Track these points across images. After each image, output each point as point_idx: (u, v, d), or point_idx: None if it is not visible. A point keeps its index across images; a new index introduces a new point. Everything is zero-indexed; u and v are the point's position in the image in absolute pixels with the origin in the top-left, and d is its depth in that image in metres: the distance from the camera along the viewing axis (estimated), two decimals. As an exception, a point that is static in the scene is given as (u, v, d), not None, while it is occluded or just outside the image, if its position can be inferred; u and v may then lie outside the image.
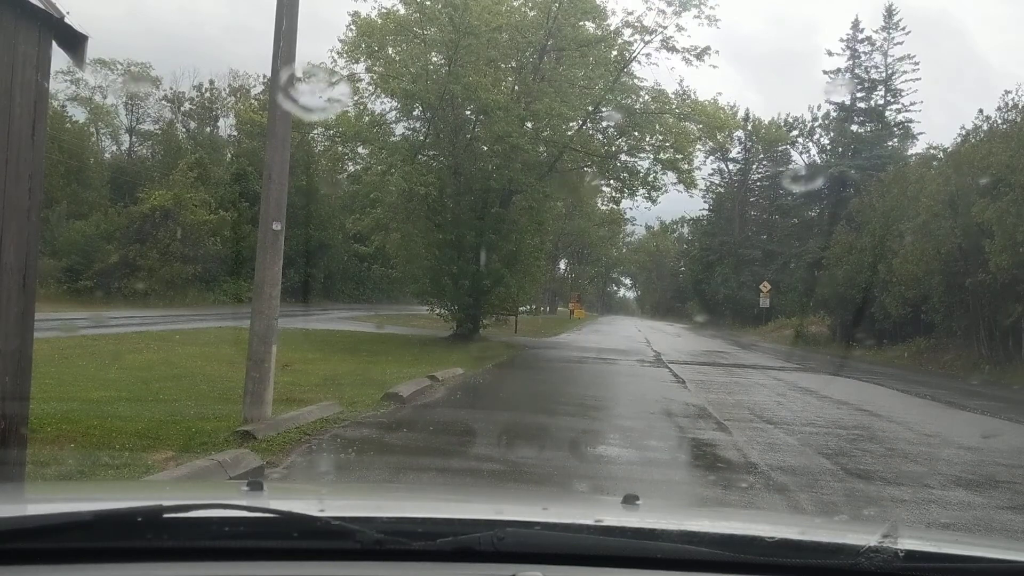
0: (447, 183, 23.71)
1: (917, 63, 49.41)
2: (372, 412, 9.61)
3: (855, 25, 51.05)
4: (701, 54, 23.57)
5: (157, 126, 50.73)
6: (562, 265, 77.88)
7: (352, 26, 23.10)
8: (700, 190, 48.00)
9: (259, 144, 36.60)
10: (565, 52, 23.72)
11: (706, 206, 66.07)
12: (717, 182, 65.17)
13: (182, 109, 51.50)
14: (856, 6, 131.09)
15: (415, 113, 24.39)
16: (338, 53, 23.31)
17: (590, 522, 1.55)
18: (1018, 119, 24.88)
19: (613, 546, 1.42)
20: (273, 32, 8.34)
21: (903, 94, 49.79)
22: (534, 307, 44.93)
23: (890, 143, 48.61)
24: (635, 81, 24.70)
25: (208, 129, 51.86)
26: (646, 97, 24.75)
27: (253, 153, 41.26)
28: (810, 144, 56.90)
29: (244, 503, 1.51)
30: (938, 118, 61.81)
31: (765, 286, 47.71)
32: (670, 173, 25.64)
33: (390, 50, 23.56)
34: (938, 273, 26.23)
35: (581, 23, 24.22)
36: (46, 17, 4.04)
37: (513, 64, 24.70)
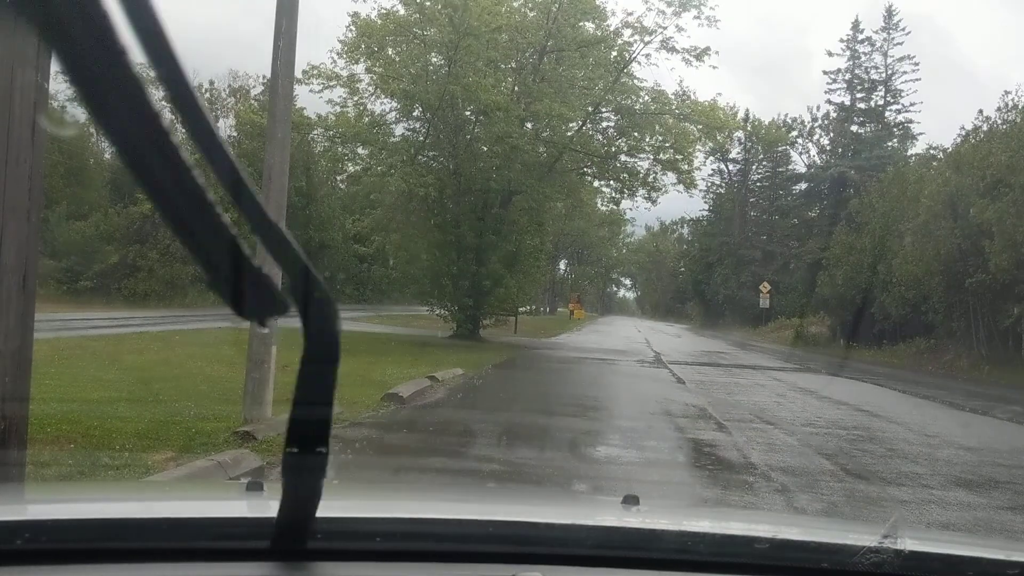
0: (447, 184, 23.73)
1: (917, 63, 49.51)
2: (372, 412, 9.61)
3: (855, 25, 51.15)
4: (701, 55, 23.63)
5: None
6: (562, 266, 78.00)
7: (352, 27, 23.15)
8: (700, 191, 48.09)
9: (259, 145, 36.55)
10: (565, 53, 23.74)
11: (706, 207, 66.14)
12: (717, 183, 65.26)
13: (182, 110, 51.49)
14: (847, 9, 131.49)
15: (415, 114, 24.41)
16: (338, 54, 23.37)
17: (590, 523, 1.55)
18: (1018, 119, 24.91)
19: (613, 547, 1.42)
20: (273, 32, 8.35)
21: (903, 94, 49.88)
22: (534, 308, 44.97)
23: (890, 143, 48.63)
24: (635, 82, 24.75)
25: (208, 130, 51.85)
26: (646, 98, 24.79)
27: (253, 154, 41.17)
28: (810, 145, 57.00)
29: (244, 503, 1.51)
30: (926, 119, 62.20)
31: (765, 287, 47.70)
32: (670, 173, 25.70)
33: (390, 51, 23.58)
34: (938, 274, 26.23)
35: (581, 24, 24.25)
36: (46, 18, 4.04)
37: (513, 65, 24.72)
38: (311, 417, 1.10)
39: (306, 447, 1.13)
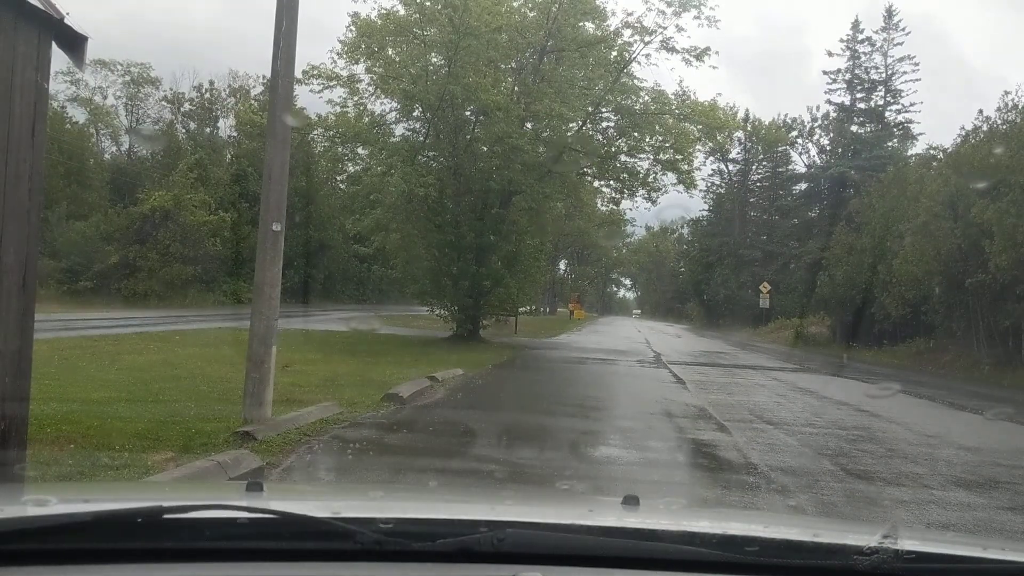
0: (447, 184, 23.72)
1: (917, 64, 49.48)
2: (372, 413, 9.61)
3: (855, 26, 51.12)
4: (701, 55, 23.60)
5: (157, 127, 50.71)
6: (562, 266, 77.95)
7: (352, 27, 23.12)
8: (700, 191, 48.10)
9: (259, 145, 36.61)
10: (565, 53, 23.73)
11: (706, 207, 66.15)
12: (717, 183, 65.28)
13: (182, 110, 51.49)
14: (847, 9, 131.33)
15: (415, 114, 24.40)
16: (338, 54, 23.34)
17: (590, 523, 1.55)
18: (1018, 119, 24.90)
19: (613, 547, 1.42)
20: (273, 33, 8.35)
21: (903, 95, 49.86)
22: (534, 308, 44.88)
23: (890, 144, 48.59)
24: (635, 82, 24.72)
25: (208, 130, 51.85)
26: (646, 98, 24.77)
27: (253, 154, 41.27)
28: (810, 145, 57.01)
29: (244, 504, 1.51)
30: (925, 119, 62.26)
31: (765, 287, 47.71)
32: (670, 174, 25.69)
33: (390, 51, 23.56)
34: (938, 274, 26.23)
35: (581, 24, 24.24)
36: (46, 18, 4.04)
37: (513, 65, 24.71)
38: None
39: None
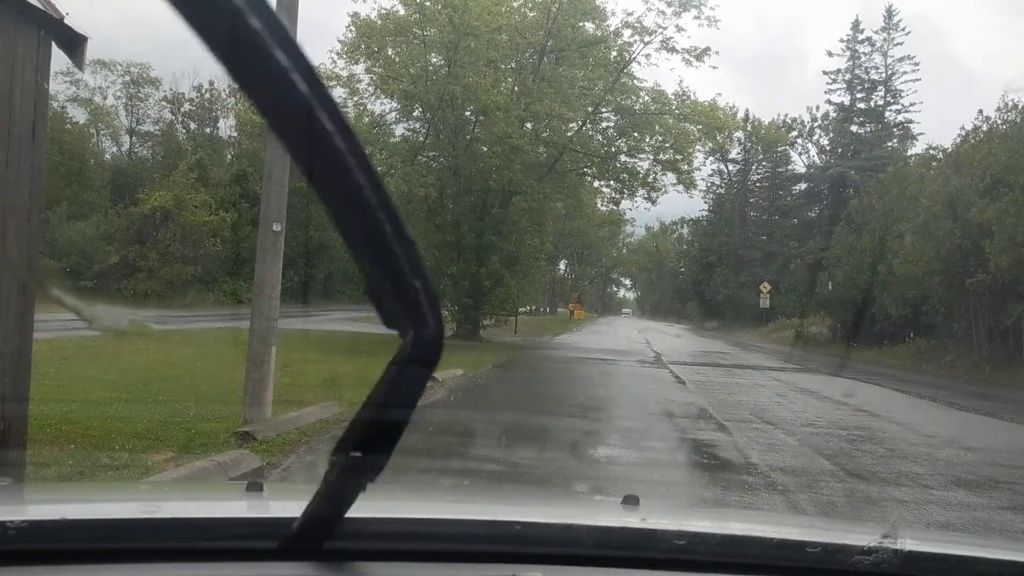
0: (447, 184, 23.74)
1: (917, 64, 49.49)
2: (372, 413, 9.59)
3: (855, 26, 51.15)
4: (701, 55, 23.64)
5: (157, 127, 50.73)
6: (562, 266, 77.97)
7: (351, 27, 23.16)
8: (700, 191, 48.09)
9: (259, 145, 36.60)
10: (565, 53, 23.76)
11: (706, 207, 66.13)
12: (717, 183, 65.26)
13: (182, 110, 51.49)
14: (846, 9, 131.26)
15: (415, 114, 24.43)
16: (337, 54, 23.38)
17: (590, 523, 1.55)
18: (1018, 119, 24.91)
19: (613, 547, 1.42)
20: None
21: (903, 95, 49.88)
22: (534, 308, 44.93)
23: (890, 144, 48.61)
24: (635, 82, 24.77)
25: (208, 130, 51.84)
26: (646, 98, 24.81)
27: (253, 154, 41.26)
28: (810, 145, 57.01)
29: (244, 504, 1.51)
30: (925, 119, 62.23)
31: (765, 287, 47.69)
32: (670, 174, 25.72)
33: (390, 51, 23.59)
34: (938, 274, 26.23)
35: (581, 24, 24.27)
36: (46, 18, 4.04)
37: (513, 65, 24.74)
38: (384, 418, 1.11)
39: (368, 449, 1.13)
